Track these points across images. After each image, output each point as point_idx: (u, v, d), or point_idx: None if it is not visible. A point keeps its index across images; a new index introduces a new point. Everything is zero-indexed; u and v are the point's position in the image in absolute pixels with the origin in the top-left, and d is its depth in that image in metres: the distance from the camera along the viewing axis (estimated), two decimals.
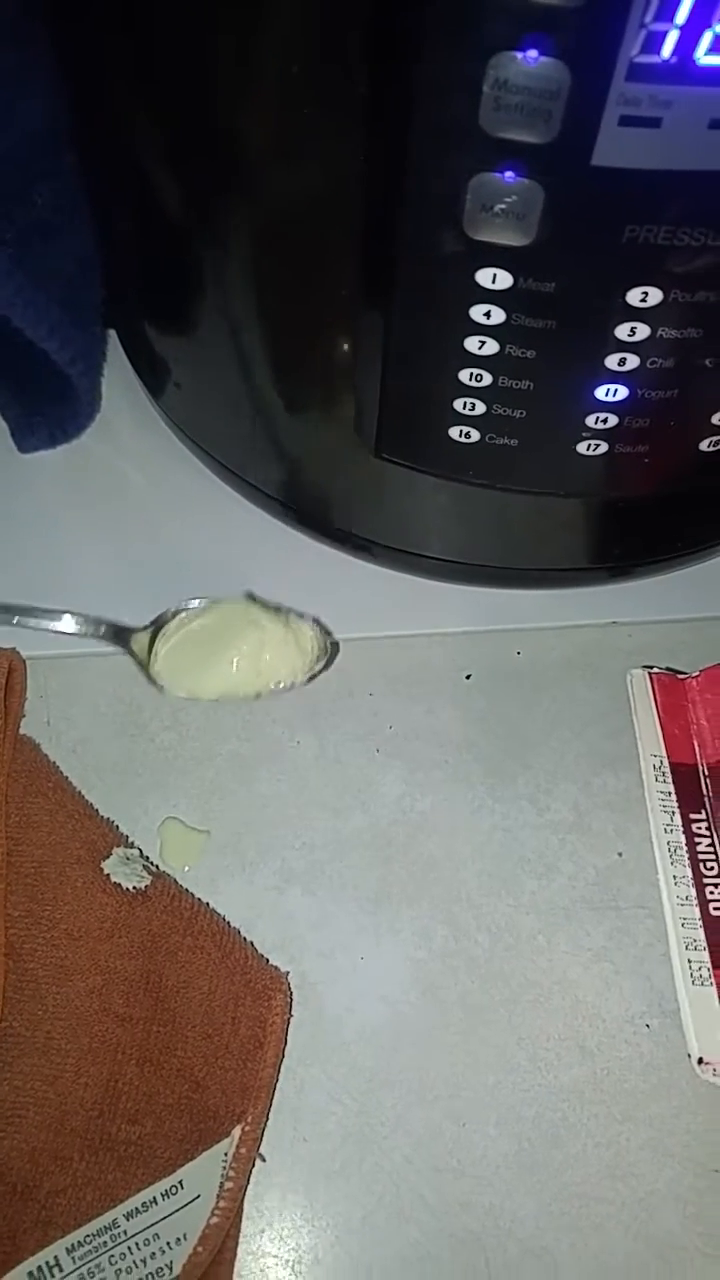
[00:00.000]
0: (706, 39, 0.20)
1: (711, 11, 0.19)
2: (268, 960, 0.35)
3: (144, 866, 0.36)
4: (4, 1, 0.33)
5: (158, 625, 0.40)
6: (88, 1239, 0.31)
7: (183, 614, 0.40)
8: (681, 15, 0.19)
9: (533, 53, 0.20)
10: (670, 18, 0.20)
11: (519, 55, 0.21)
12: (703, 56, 0.20)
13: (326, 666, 0.40)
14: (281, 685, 0.39)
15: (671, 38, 0.20)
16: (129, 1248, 0.31)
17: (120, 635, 0.40)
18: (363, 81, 0.23)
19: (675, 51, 0.20)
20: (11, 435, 0.45)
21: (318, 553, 0.41)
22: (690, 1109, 0.34)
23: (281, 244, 0.30)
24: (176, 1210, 0.31)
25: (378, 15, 0.22)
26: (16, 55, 0.34)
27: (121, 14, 0.28)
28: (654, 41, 0.20)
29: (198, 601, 0.40)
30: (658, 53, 0.20)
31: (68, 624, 0.40)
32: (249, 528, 0.42)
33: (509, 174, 0.23)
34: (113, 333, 0.45)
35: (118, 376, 0.45)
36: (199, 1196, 0.31)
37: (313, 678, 0.40)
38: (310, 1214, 0.33)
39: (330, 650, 0.40)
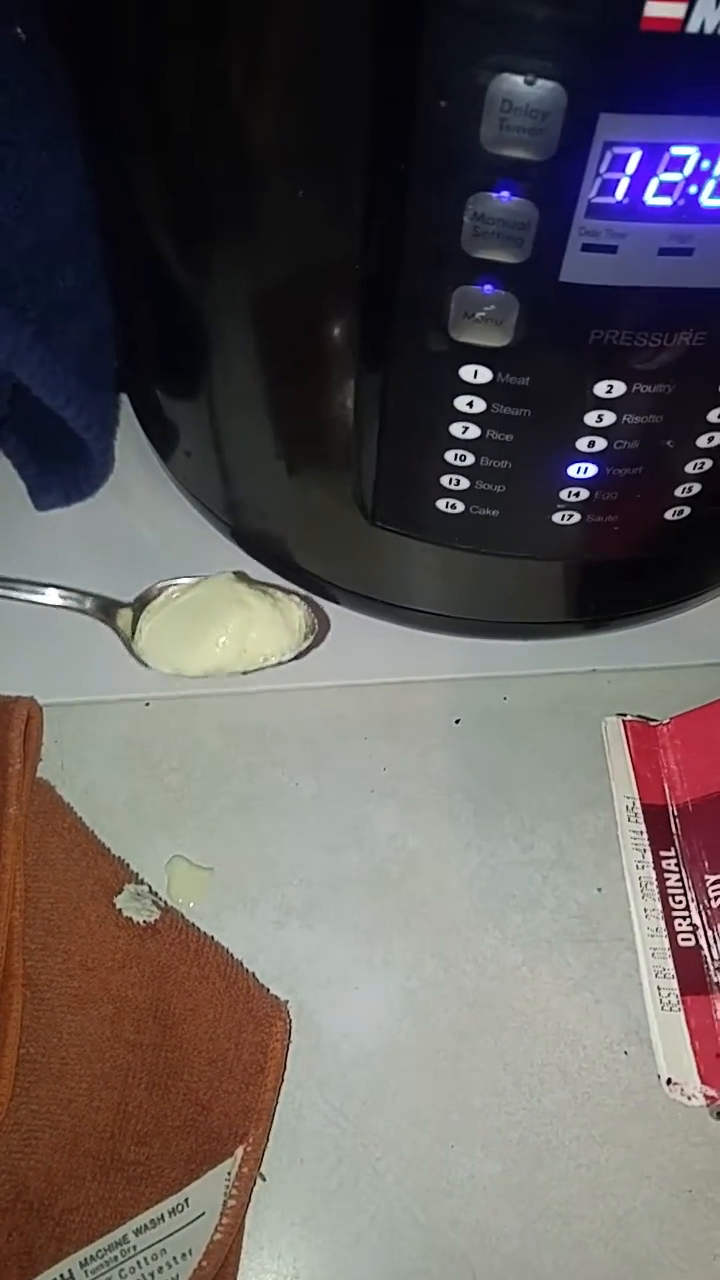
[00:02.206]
0: (653, 185, 0.23)
1: (656, 163, 0.22)
2: (268, 990, 0.36)
3: (153, 902, 0.37)
4: (40, 108, 0.36)
5: (142, 601, 0.40)
6: (99, 1254, 0.32)
7: (168, 590, 0.39)
8: (631, 166, 0.22)
9: (506, 194, 0.23)
10: (622, 169, 0.22)
11: (494, 195, 0.23)
12: (650, 198, 0.23)
13: (316, 643, 0.39)
14: (269, 662, 0.38)
15: (623, 184, 0.23)
16: (138, 1262, 0.32)
17: (106, 609, 0.40)
18: (360, 208, 0.26)
19: (627, 194, 0.23)
20: (29, 493, 0.47)
21: (318, 604, 0.43)
22: (666, 1132, 0.35)
23: (285, 339, 0.33)
24: (183, 1227, 0.32)
25: (375, 162, 0.25)
26: (49, 155, 0.36)
27: (141, 122, 0.31)
28: (609, 187, 0.23)
29: (183, 579, 0.39)
30: (612, 195, 0.23)
31: (53, 597, 0.40)
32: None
33: (488, 287, 0.26)
34: (125, 398, 0.47)
35: (129, 439, 0.47)
36: (203, 1214, 0.33)
37: (301, 655, 0.39)
38: (307, 1231, 0.34)
39: (319, 628, 0.40)
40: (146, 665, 0.39)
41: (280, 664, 0.39)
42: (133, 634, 0.39)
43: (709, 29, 0.20)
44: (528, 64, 0.21)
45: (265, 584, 0.40)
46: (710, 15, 0.20)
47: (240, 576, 0.40)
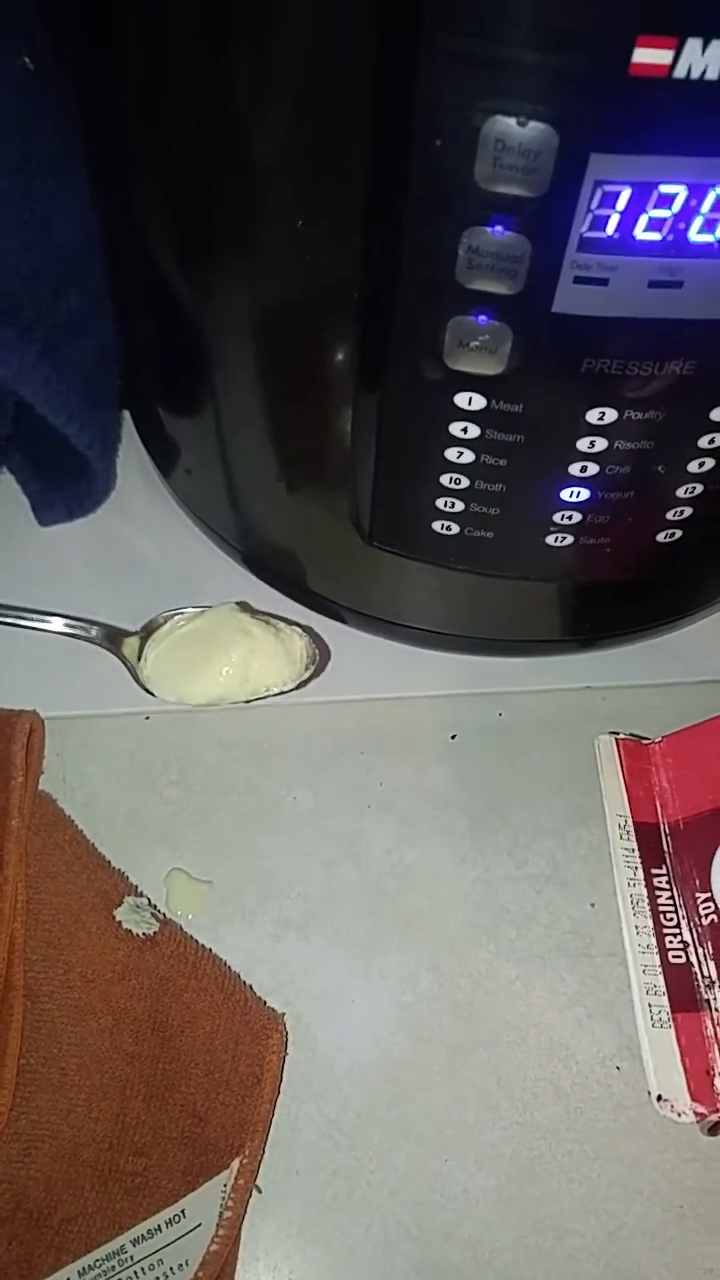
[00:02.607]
0: (643, 221, 0.23)
1: (645, 201, 0.23)
2: (265, 1002, 0.37)
3: (153, 914, 0.37)
4: (47, 136, 0.37)
5: (148, 630, 0.40)
6: (97, 1263, 0.32)
7: (173, 619, 0.40)
8: (621, 203, 0.23)
9: (500, 228, 0.24)
10: (612, 205, 0.23)
11: (489, 229, 0.24)
12: (640, 233, 0.24)
13: (317, 674, 0.40)
14: (271, 692, 0.39)
15: (614, 220, 0.23)
16: (135, 1272, 0.32)
17: (112, 638, 0.41)
18: (359, 240, 0.27)
19: (618, 229, 0.24)
20: (32, 509, 0.47)
21: (316, 621, 0.44)
22: (657, 1148, 0.36)
23: (284, 364, 0.33)
24: (179, 1237, 0.33)
25: (373, 196, 0.25)
26: (56, 181, 0.37)
27: (145, 151, 0.32)
28: (600, 222, 0.24)
29: (189, 608, 0.40)
30: (603, 230, 0.24)
31: (59, 625, 0.40)
32: (251, 598, 0.44)
33: (482, 317, 0.27)
34: (126, 415, 0.48)
35: (131, 456, 0.48)
36: (200, 1225, 0.33)
37: (302, 684, 0.40)
38: (302, 1243, 0.34)
39: (320, 658, 0.40)
40: (151, 693, 0.40)
41: (282, 694, 0.40)
42: (138, 663, 0.40)
43: (695, 74, 0.21)
44: (520, 106, 0.22)
45: (268, 615, 0.41)
46: (696, 61, 0.21)
47: (244, 607, 0.40)
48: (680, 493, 0.32)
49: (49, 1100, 0.34)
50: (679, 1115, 0.35)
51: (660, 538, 0.34)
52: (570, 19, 0.21)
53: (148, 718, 0.43)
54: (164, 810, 0.41)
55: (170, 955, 0.37)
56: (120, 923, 0.37)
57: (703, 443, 0.30)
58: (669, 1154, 0.36)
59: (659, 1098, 0.35)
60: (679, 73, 0.21)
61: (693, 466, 0.31)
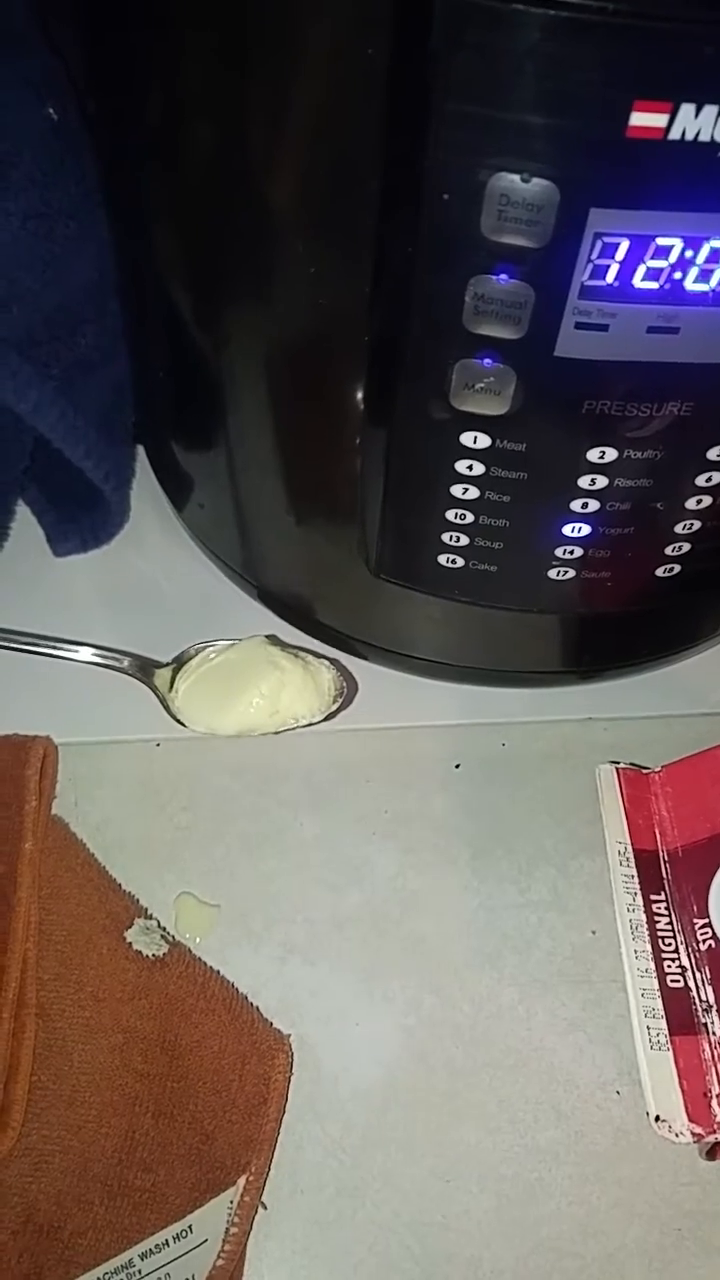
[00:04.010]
0: (641, 270, 0.25)
1: (643, 252, 0.25)
2: (271, 1024, 0.37)
3: (162, 936, 0.38)
4: (67, 181, 0.38)
5: (180, 662, 0.41)
6: (106, 1277, 0.33)
7: (204, 651, 0.41)
8: (620, 254, 0.25)
9: (504, 276, 0.25)
10: (612, 256, 0.25)
11: (494, 277, 0.26)
12: (638, 282, 0.25)
13: (344, 706, 0.41)
14: (300, 723, 0.40)
15: (613, 269, 0.25)
16: None
17: (144, 669, 0.42)
18: (369, 286, 0.28)
19: (617, 278, 0.25)
20: (47, 540, 0.49)
21: (323, 652, 0.44)
22: (656, 1171, 0.36)
23: (296, 404, 0.35)
24: (186, 1252, 0.33)
25: (384, 245, 0.27)
26: (76, 224, 0.38)
27: (163, 198, 0.34)
28: (600, 272, 0.25)
29: (220, 641, 0.41)
30: (603, 279, 0.25)
31: (90, 655, 0.41)
32: (261, 629, 0.44)
33: (487, 360, 0.28)
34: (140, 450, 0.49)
35: (144, 489, 0.49)
36: (206, 1240, 0.34)
37: (330, 716, 0.41)
38: (306, 1260, 0.34)
39: (348, 690, 0.41)
40: (183, 724, 0.40)
41: (311, 725, 0.40)
42: (169, 694, 0.41)
43: (689, 136, 0.22)
44: (524, 165, 0.23)
45: (297, 648, 0.42)
46: (690, 124, 0.22)
47: (273, 640, 0.41)
48: (679, 529, 0.34)
49: (60, 1116, 0.35)
50: (676, 1136, 0.35)
51: (659, 572, 0.35)
52: (572, 85, 0.22)
53: (158, 744, 0.44)
54: (173, 835, 0.42)
55: (179, 976, 0.37)
56: (131, 944, 0.38)
57: (700, 481, 0.32)
58: (667, 1178, 0.36)
59: (657, 1118, 0.36)
60: (674, 134, 0.22)
61: (691, 503, 0.32)
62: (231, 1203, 0.34)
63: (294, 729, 0.40)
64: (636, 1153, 0.37)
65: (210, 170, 0.30)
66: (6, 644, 0.42)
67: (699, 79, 0.22)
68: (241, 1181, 0.34)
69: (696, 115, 0.22)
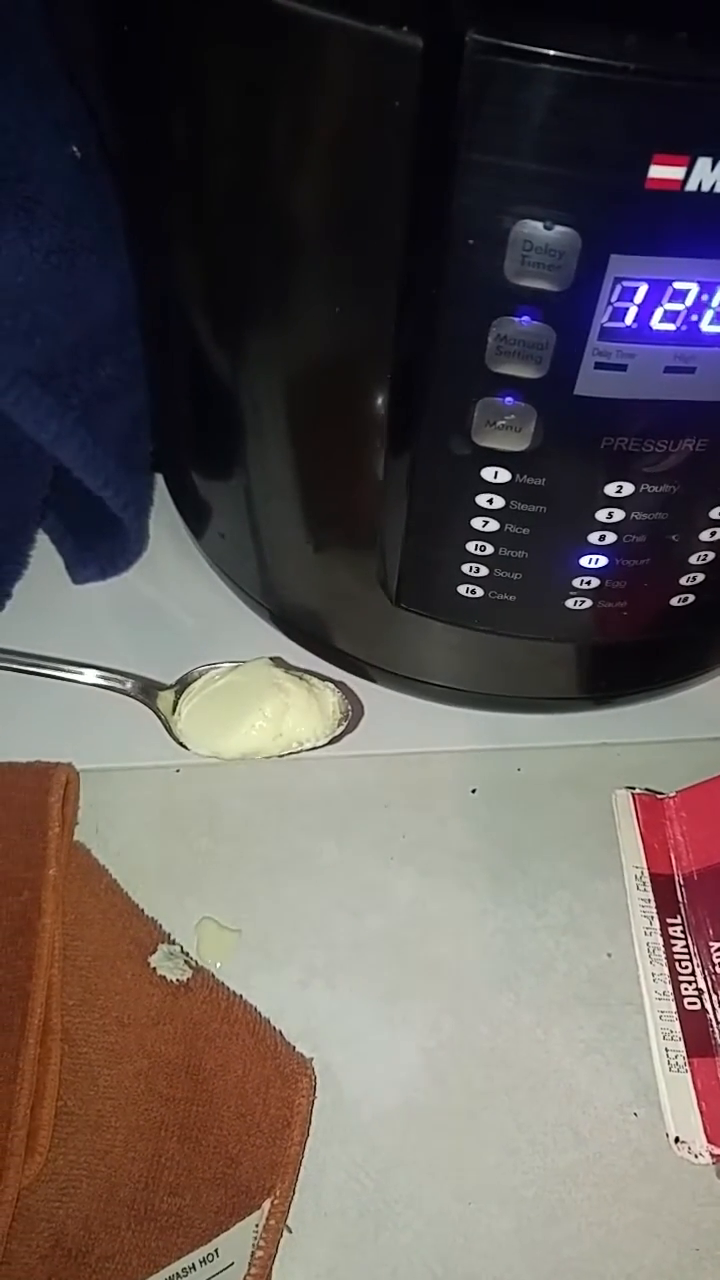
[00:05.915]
0: (658, 313, 0.26)
1: (661, 295, 0.25)
2: (294, 1048, 0.38)
3: (185, 961, 0.38)
4: (91, 216, 0.39)
5: (183, 684, 0.41)
6: None
7: (207, 674, 0.41)
8: (639, 298, 0.25)
9: (526, 318, 0.26)
10: (630, 299, 0.25)
11: (516, 319, 0.26)
12: (656, 324, 0.26)
13: (350, 729, 0.41)
14: (304, 746, 0.40)
15: (632, 312, 0.26)
16: None
17: (147, 691, 0.41)
18: (394, 326, 0.29)
19: (635, 320, 0.26)
20: (66, 568, 0.49)
21: (343, 678, 0.45)
22: (674, 1192, 0.36)
23: (319, 439, 0.36)
24: (213, 1276, 0.33)
25: (409, 287, 0.28)
26: (98, 258, 0.39)
27: (186, 237, 0.34)
28: (619, 314, 0.26)
29: (223, 663, 0.41)
30: (622, 321, 0.26)
31: (94, 678, 0.41)
32: (276, 653, 0.45)
33: (508, 399, 0.29)
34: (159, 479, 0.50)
35: (161, 517, 0.50)
36: (233, 1264, 0.34)
37: (335, 739, 0.41)
38: None
39: (353, 713, 0.41)
40: (185, 746, 0.41)
41: (315, 749, 0.41)
42: (172, 716, 0.41)
43: (705, 187, 0.23)
44: (547, 213, 0.24)
45: (302, 670, 0.42)
46: (707, 176, 0.23)
47: (277, 662, 0.41)
48: (693, 560, 0.34)
49: (86, 1141, 0.35)
50: (696, 1157, 0.36)
51: (674, 601, 0.36)
52: (593, 139, 0.23)
53: (178, 770, 0.44)
54: (194, 860, 0.42)
55: (203, 1001, 0.38)
56: (155, 969, 0.38)
57: (714, 514, 0.32)
58: (686, 1198, 0.36)
59: (676, 1140, 0.36)
60: (691, 186, 0.23)
61: (705, 535, 0.33)
62: (257, 1226, 0.34)
63: (298, 752, 0.40)
64: (655, 1174, 0.37)
65: (240, 212, 0.31)
66: (9, 665, 0.42)
67: (715, 134, 0.23)
68: (266, 1205, 0.35)
69: (713, 168, 0.23)
